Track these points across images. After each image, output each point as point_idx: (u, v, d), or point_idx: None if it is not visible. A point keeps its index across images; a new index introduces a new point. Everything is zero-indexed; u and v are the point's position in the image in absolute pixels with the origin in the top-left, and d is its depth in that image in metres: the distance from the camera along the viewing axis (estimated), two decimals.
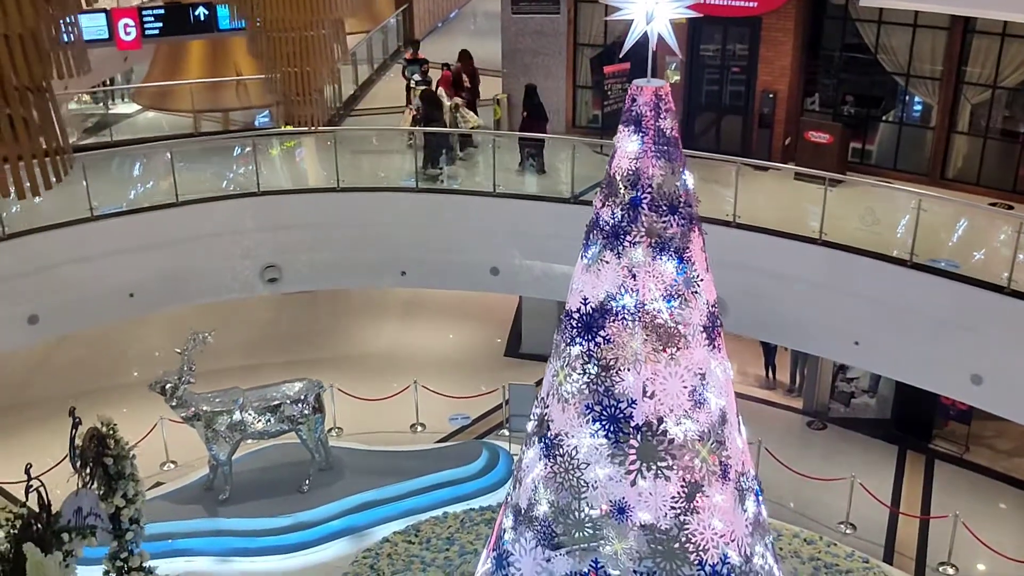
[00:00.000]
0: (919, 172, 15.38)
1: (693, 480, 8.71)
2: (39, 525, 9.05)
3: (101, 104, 24.05)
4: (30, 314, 13.99)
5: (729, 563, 8.91)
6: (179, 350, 14.01)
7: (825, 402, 17.64)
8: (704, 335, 8.79)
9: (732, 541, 8.97)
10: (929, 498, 15.49)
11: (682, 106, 16.84)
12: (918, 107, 15.89)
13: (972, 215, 13.81)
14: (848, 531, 14.69)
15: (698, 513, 8.75)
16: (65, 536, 9.18)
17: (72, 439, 9.95)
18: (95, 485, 10.32)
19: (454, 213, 15.46)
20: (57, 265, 14.12)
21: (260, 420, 14.53)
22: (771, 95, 15.81)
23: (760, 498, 9.68)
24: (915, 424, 16.87)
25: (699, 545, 8.75)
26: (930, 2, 13.69)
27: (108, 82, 24.60)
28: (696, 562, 8.77)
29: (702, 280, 8.74)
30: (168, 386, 14.09)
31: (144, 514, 11.00)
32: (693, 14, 8.40)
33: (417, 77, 18.20)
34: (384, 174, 16.62)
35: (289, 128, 15.38)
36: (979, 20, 14.52)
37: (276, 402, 14.58)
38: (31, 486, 9.18)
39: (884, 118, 15.97)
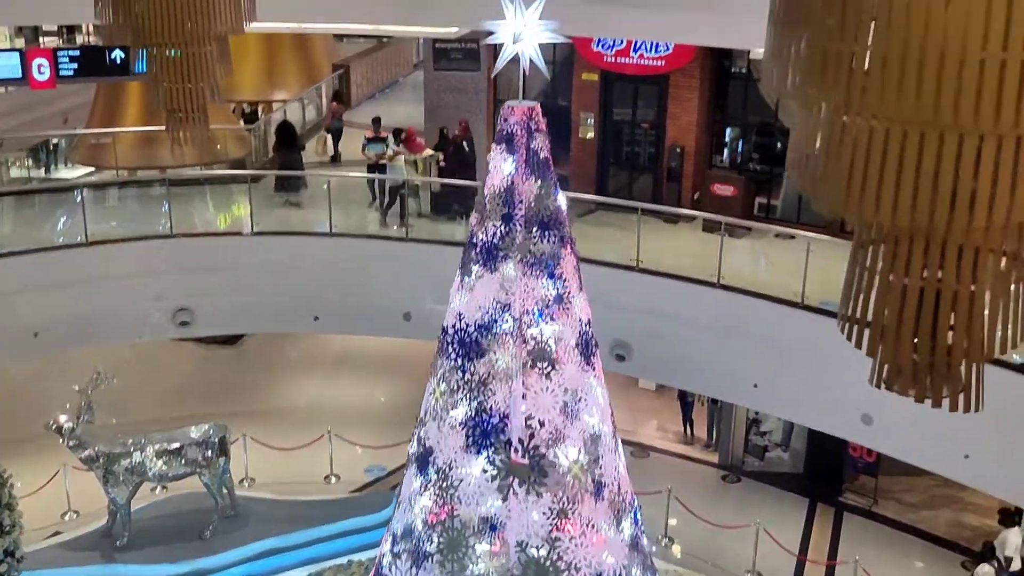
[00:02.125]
0: (820, 225, 15.78)
1: (565, 497, 8.74)
2: None
3: (43, 169, 24.21)
4: None
5: None
6: (78, 388, 13.83)
7: (740, 456, 17.79)
8: (578, 353, 8.90)
9: (606, 560, 8.99)
10: (836, 548, 15.60)
11: (596, 162, 17.26)
12: None
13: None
14: None
15: (570, 530, 8.78)
16: None
17: None
18: None
19: (368, 258, 15.57)
20: None
21: (161, 463, 14.30)
22: (679, 150, 16.29)
23: (639, 522, 9.71)
24: (826, 477, 17.07)
25: (571, 563, 8.74)
26: None
27: (50, 147, 24.76)
28: None
29: (574, 298, 8.90)
30: (66, 426, 13.87)
31: (22, 547, 10.81)
32: (563, 39, 8.68)
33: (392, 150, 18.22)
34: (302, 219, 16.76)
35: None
36: None
37: (178, 444, 14.37)
38: None
39: (787, 174, 16.46)
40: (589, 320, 9.15)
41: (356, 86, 27.11)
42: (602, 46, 16.22)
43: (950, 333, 3.33)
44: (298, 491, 16.75)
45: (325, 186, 16.30)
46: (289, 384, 21.31)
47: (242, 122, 23.40)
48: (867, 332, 3.64)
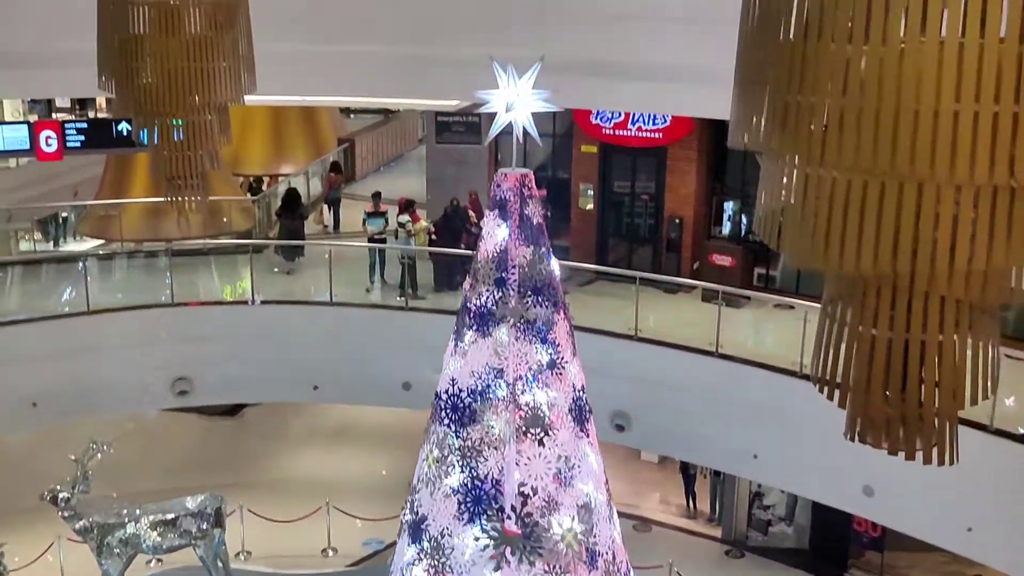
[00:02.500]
0: (819, 295, 15.84)
1: (559, 566, 8.63)
2: None
3: (52, 242, 24.51)
4: None
5: None
6: (74, 457, 13.78)
7: (743, 530, 17.55)
8: (572, 419, 8.87)
9: None
10: None
11: (596, 233, 17.38)
12: None
13: None
14: None
15: None
16: None
17: None
18: None
19: (366, 327, 15.61)
20: None
21: (156, 534, 14.17)
22: (678, 221, 16.42)
23: None
24: (831, 553, 16.80)
25: None
26: None
27: (59, 220, 25.09)
28: None
29: (568, 364, 8.90)
30: (61, 496, 13.78)
31: None
32: (554, 108, 8.83)
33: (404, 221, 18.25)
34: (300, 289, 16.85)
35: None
36: None
37: (173, 515, 14.26)
38: None
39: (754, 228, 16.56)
40: (583, 387, 9.13)
41: (361, 159, 27.49)
42: (601, 118, 16.47)
43: (922, 385, 3.33)
44: (295, 564, 16.58)
45: (326, 255, 16.40)
46: (288, 455, 21.19)
47: (248, 195, 23.68)
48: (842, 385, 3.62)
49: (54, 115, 28.79)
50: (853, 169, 3.02)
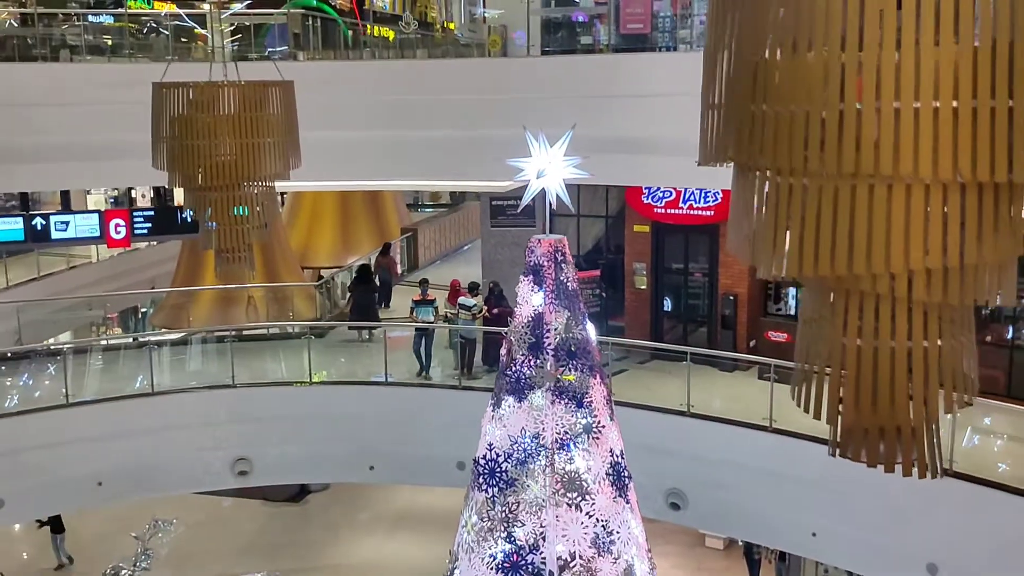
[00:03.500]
0: None
1: None
2: None
3: (132, 338, 25.38)
4: None
5: None
6: (136, 535, 14.05)
7: None
8: (609, 484, 8.83)
9: None
10: None
11: (650, 311, 17.39)
12: None
13: None
14: None
15: None
16: None
17: None
18: None
19: (421, 407, 15.73)
20: (27, 450, 14.41)
21: None
22: (732, 298, 16.34)
23: None
24: None
25: None
26: None
27: (138, 314, 26.01)
28: None
29: (605, 428, 8.89)
30: (123, 573, 14.04)
31: None
32: (585, 174, 8.99)
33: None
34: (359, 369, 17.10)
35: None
36: None
37: None
38: None
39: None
40: (622, 452, 9.09)
41: (424, 248, 28.01)
42: (652, 198, 16.63)
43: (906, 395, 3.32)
44: None
45: (381, 336, 16.68)
46: (350, 541, 21.23)
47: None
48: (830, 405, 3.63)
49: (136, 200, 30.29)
50: (822, 175, 3.09)
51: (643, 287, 17.28)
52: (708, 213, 16.31)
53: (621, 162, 13.43)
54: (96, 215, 16.06)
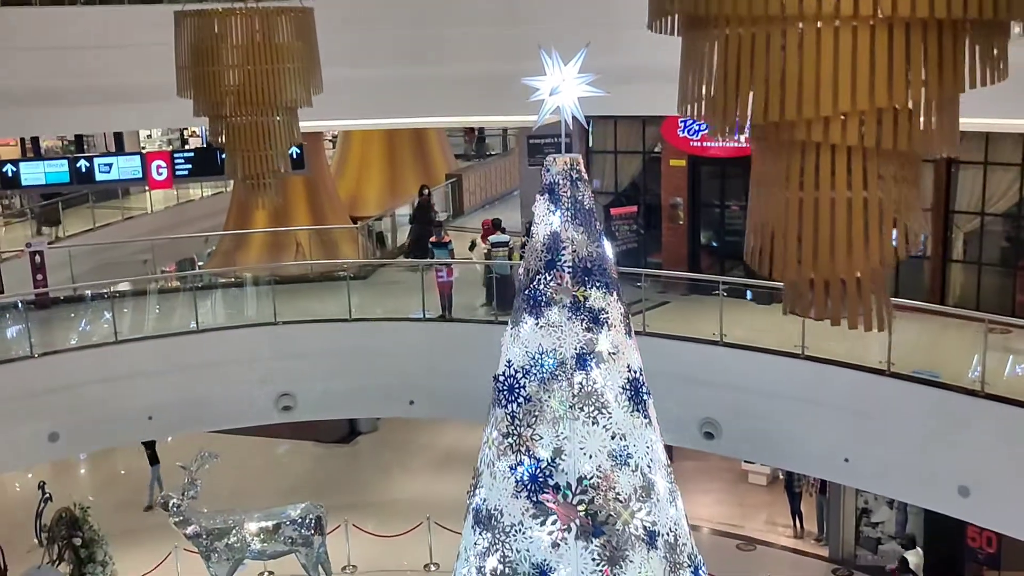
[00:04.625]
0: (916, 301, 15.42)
1: (615, 543, 8.67)
2: None
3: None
4: (51, 431, 14.72)
5: None
6: (183, 465, 14.55)
7: (851, 549, 16.99)
8: (626, 399, 8.96)
9: None
10: None
11: (687, 246, 17.38)
12: None
13: (959, 329, 13.70)
14: None
15: None
16: None
17: (39, 513, 10.44)
18: (60, 565, 10.72)
19: (458, 342, 15.96)
20: (80, 385, 14.95)
21: (259, 540, 14.79)
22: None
23: None
24: (945, 572, 16.08)
25: None
26: None
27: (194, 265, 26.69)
28: None
29: (621, 344, 9.00)
30: (172, 502, 14.56)
31: None
32: (600, 92, 9.01)
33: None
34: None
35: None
36: (961, 151, 14.95)
37: (275, 523, 14.87)
38: (46, 500, 9.77)
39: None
40: (640, 369, 9.20)
41: (469, 194, 28.17)
42: (688, 131, 16.54)
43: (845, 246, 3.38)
44: None
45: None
46: (399, 479, 21.68)
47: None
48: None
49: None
50: (743, 21, 3.15)
51: (680, 222, 17.25)
52: (744, 144, 16.15)
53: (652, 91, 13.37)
54: (138, 157, 16.51)
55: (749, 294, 16.17)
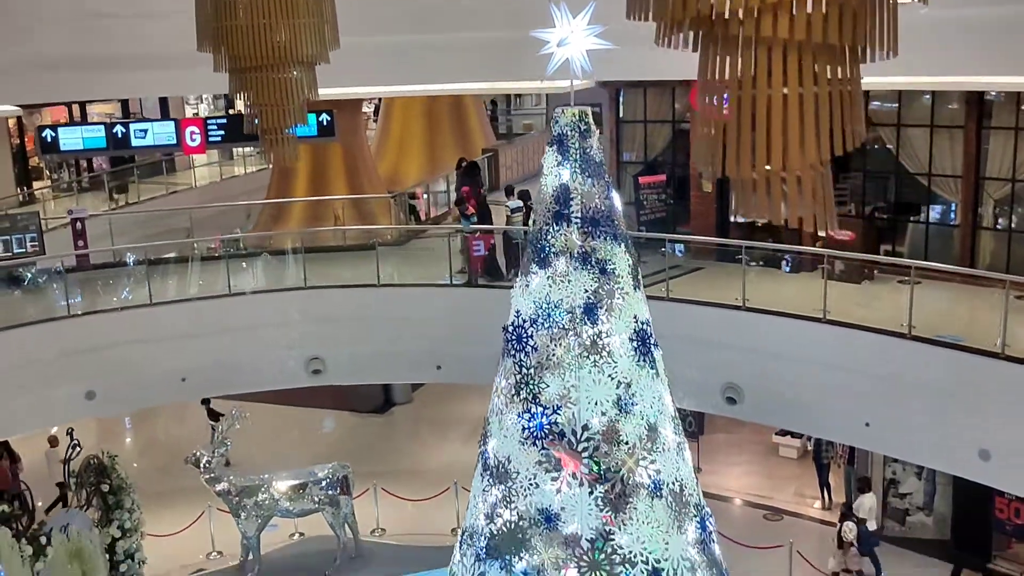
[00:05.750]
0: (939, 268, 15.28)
1: (620, 492, 8.78)
2: (19, 525, 9.77)
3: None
4: (88, 390, 15.15)
5: None
6: (213, 424, 14.91)
7: (879, 520, 16.89)
8: (632, 348, 9.05)
9: (663, 559, 8.88)
10: None
11: (716, 214, 17.37)
12: (942, 207, 16.01)
13: (987, 298, 13.55)
14: None
15: (625, 524, 8.77)
16: (43, 539, 9.85)
17: (68, 460, 10.80)
18: (89, 510, 11.07)
19: (487, 308, 16.09)
20: (116, 346, 15.35)
21: (287, 499, 15.13)
22: None
23: (708, 529, 9.53)
24: (974, 544, 15.95)
25: (626, 556, 8.72)
26: None
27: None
28: (621, 574, 8.71)
29: (628, 295, 9.08)
30: (203, 460, 14.94)
31: (142, 550, 11.66)
32: (607, 44, 9.06)
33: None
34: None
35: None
36: (993, 116, 14.78)
37: (302, 482, 15.20)
38: (74, 446, 10.15)
39: (911, 219, 16.07)
40: (648, 320, 9.28)
41: (505, 169, 28.32)
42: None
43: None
44: (426, 541, 17.17)
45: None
46: (432, 447, 21.95)
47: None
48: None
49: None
50: None
51: (708, 190, 17.23)
52: None
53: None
54: (172, 123, 16.88)
55: (787, 265, 16.16)
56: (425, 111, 30.53)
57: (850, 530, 15.43)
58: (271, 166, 26.34)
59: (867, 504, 15.69)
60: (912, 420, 12.42)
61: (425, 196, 26.32)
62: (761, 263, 16.34)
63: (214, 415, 19.19)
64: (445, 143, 30.48)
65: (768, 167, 3.47)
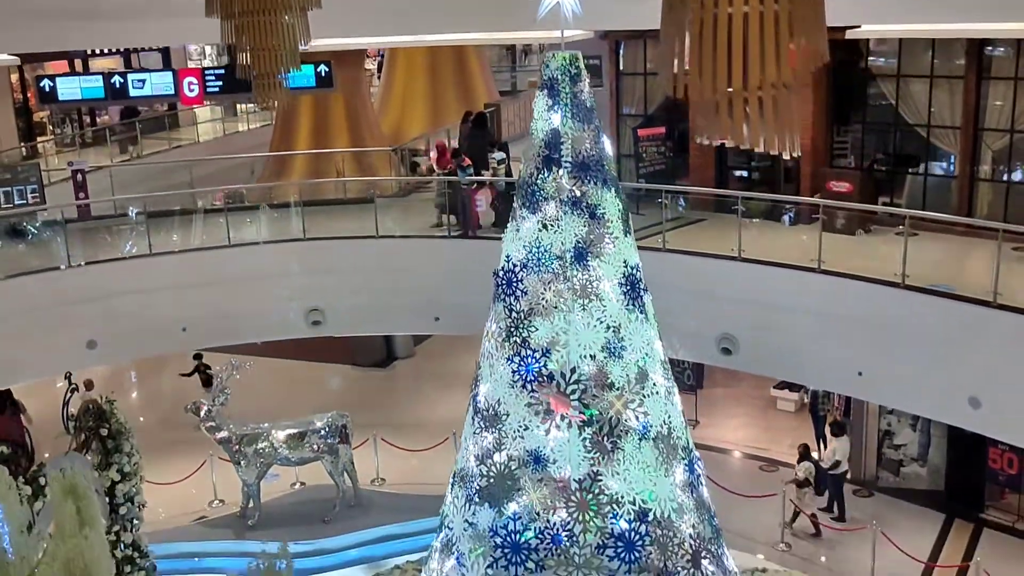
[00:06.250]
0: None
1: (606, 432, 8.89)
2: (18, 466, 9.93)
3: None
4: (89, 339, 15.29)
5: (646, 521, 8.92)
6: (212, 372, 15.07)
7: (873, 471, 17.06)
8: (622, 293, 9.12)
9: (650, 501, 9.00)
10: (969, 560, 14.68)
11: (715, 168, 17.35)
12: (941, 158, 15.98)
13: (984, 249, 13.56)
14: None
15: (613, 467, 8.89)
16: (42, 480, 10.02)
17: (66, 403, 10.93)
18: (87, 454, 11.23)
19: (484, 259, 16.15)
20: (117, 295, 15.46)
21: (286, 447, 15.32)
22: None
23: (696, 472, 9.66)
24: (967, 494, 16.10)
25: (613, 496, 8.86)
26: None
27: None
28: (609, 515, 8.85)
29: (618, 239, 9.14)
30: (203, 409, 15.12)
31: (142, 493, 11.85)
32: None
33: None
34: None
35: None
36: (992, 67, 14.69)
37: (302, 430, 15.38)
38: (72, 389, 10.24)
39: (910, 171, 16.04)
40: (637, 265, 9.34)
41: (508, 124, 28.19)
42: None
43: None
44: (424, 490, 17.36)
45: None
46: (433, 401, 22.07)
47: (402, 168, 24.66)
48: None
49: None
50: None
51: (707, 143, 17.17)
52: None
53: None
54: (170, 73, 16.88)
55: (788, 219, 16.17)
56: (428, 66, 30.38)
57: (805, 470, 15.59)
58: (274, 123, 26.34)
59: (842, 448, 15.85)
60: (904, 369, 12.50)
61: (433, 152, 26.35)
62: (762, 217, 16.35)
63: (207, 379, 19.15)
64: (448, 98, 30.35)
65: (729, 88, 3.51)
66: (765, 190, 16.65)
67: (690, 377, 19.11)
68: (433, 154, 19.57)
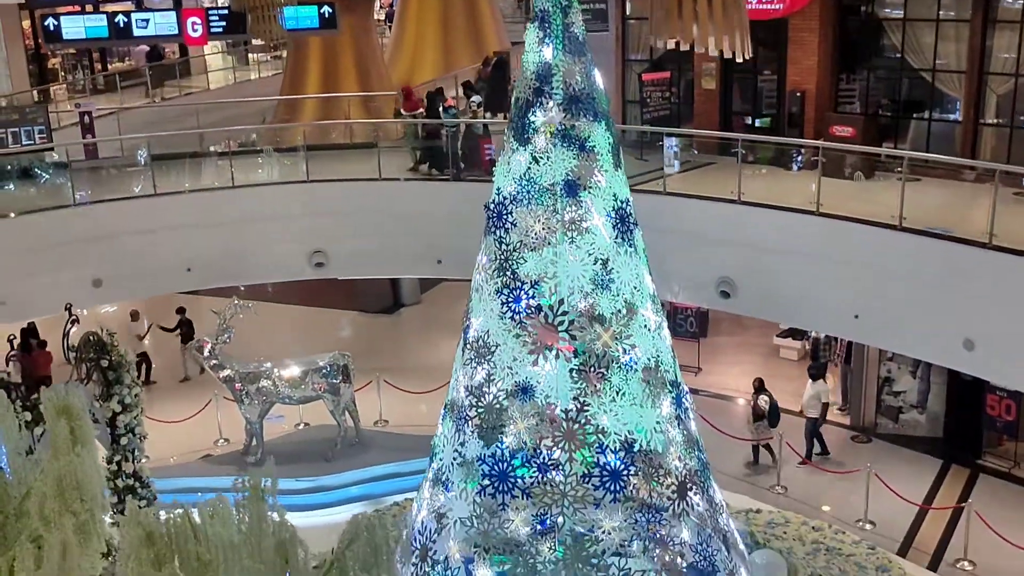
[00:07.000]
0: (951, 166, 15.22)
1: (593, 363, 8.98)
2: (19, 392, 10.10)
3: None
4: (95, 278, 15.49)
5: (632, 452, 9.04)
6: (216, 311, 15.23)
7: (872, 417, 17.14)
8: (611, 226, 9.18)
9: (636, 433, 9.12)
10: (963, 504, 14.78)
11: (719, 111, 17.27)
12: (946, 102, 15.87)
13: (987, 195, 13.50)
14: (868, 527, 14.24)
15: (600, 397, 9.00)
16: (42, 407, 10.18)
17: (66, 334, 11.08)
18: (88, 384, 11.39)
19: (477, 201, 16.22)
20: (122, 234, 15.63)
21: (288, 386, 15.50)
22: (799, 95, 16.04)
23: (684, 406, 9.76)
24: (965, 441, 16.17)
25: (599, 426, 8.97)
26: None
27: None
28: (596, 445, 8.97)
29: (608, 172, 9.18)
30: (207, 347, 15.29)
31: (143, 425, 12.04)
32: None
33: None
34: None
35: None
36: (999, 11, 14.53)
37: (304, 369, 15.55)
38: (73, 320, 10.44)
39: (914, 115, 15.94)
40: (627, 199, 9.38)
41: (516, 71, 28.05)
42: None
43: None
44: (427, 431, 17.56)
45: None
46: (439, 345, 22.14)
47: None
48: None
49: None
50: None
51: (712, 87, 17.10)
52: (777, 7, 15.88)
53: None
54: (174, 13, 16.89)
55: (796, 166, 16.12)
56: (439, 15, 30.25)
57: (765, 402, 15.78)
58: (284, 71, 26.26)
59: (812, 391, 15.95)
60: (899, 311, 12.55)
61: (453, 98, 26.35)
62: (771, 164, 16.31)
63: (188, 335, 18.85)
64: (458, 46, 30.24)
65: None
66: (770, 131, 16.61)
67: (693, 324, 19.17)
68: (400, 97, 19.62)
